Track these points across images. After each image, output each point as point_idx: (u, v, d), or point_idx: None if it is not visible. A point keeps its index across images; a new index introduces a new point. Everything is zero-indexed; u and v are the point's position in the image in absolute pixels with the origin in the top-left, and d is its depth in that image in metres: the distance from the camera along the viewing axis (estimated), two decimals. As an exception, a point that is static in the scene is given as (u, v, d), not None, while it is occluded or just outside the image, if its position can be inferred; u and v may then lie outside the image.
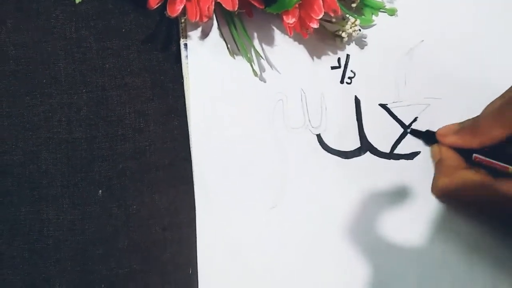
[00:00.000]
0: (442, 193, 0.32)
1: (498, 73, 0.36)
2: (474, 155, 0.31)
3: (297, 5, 0.31)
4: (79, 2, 0.32)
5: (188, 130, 0.36)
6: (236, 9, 0.31)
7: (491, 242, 0.34)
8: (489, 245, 0.34)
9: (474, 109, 0.32)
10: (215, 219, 0.35)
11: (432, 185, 0.33)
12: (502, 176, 0.30)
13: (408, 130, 0.34)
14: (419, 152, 0.35)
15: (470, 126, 0.32)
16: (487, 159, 0.30)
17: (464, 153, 0.32)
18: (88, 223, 0.35)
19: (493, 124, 0.30)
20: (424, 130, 0.34)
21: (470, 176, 0.30)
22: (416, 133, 0.34)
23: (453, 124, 0.33)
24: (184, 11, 0.33)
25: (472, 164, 0.31)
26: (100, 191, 0.36)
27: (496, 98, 0.31)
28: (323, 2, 0.32)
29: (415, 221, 0.34)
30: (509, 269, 0.33)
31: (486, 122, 0.31)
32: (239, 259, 0.34)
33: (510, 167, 0.30)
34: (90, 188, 0.36)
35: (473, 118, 0.32)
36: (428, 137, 0.34)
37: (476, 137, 0.31)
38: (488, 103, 0.32)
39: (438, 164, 0.33)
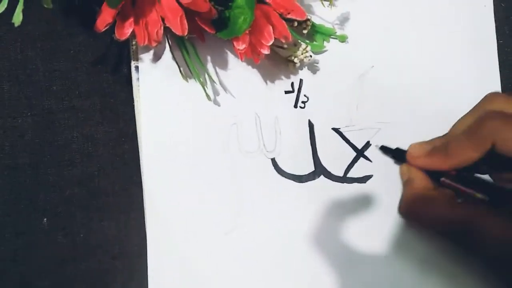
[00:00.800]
0: (408, 211, 0.31)
1: (448, 96, 0.37)
2: (442, 178, 0.31)
3: (247, 32, 0.31)
4: (19, 25, 0.30)
5: (139, 154, 0.35)
6: (186, 34, 0.31)
7: (443, 259, 0.34)
8: (441, 262, 0.34)
9: (424, 132, 0.33)
10: (167, 246, 0.34)
11: (399, 204, 0.32)
12: (467, 199, 0.30)
13: (378, 146, 0.34)
14: (372, 175, 0.35)
15: (440, 148, 0.31)
16: (454, 184, 0.30)
17: (433, 174, 0.32)
18: (32, 253, 0.34)
19: (465, 147, 0.30)
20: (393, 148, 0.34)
21: (436, 197, 0.30)
22: (386, 150, 0.34)
23: (423, 143, 0.32)
24: (133, 34, 0.32)
25: (439, 185, 0.31)
26: (45, 219, 0.34)
27: (466, 114, 0.31)
28: (273, 28, 0.32)
29: (369, 241, 0.34)
30: (460, 285, 0.34)
31: (457, 144, 0.30)
32: (193, 286, 0.33)
33: (476, 193, 0.30)
34: (35, 216, 0.34)
35: (443, 136, 0.32)
36: (398, 155, 0.33)
37: (447, 160, 0.30)
38: (440, 125, 0.32)
39: (406, 183, 0.32)
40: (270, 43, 0.32)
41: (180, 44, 0.34)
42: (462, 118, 0.31)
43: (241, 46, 0.32)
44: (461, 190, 0.30)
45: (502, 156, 0.29)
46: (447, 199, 0.30)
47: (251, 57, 0.33)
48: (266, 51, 0.32)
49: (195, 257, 0.34)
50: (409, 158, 0.32)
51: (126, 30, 0.32)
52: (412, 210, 0.31)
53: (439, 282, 0.34)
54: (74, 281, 0.34)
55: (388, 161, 0.35)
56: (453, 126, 0.32)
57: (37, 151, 0.35)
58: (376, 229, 0.35)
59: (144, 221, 0.34)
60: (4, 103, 0.35)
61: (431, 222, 0.30)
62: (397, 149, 0.34)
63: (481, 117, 0.29)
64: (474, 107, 0.31)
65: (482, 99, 0.31)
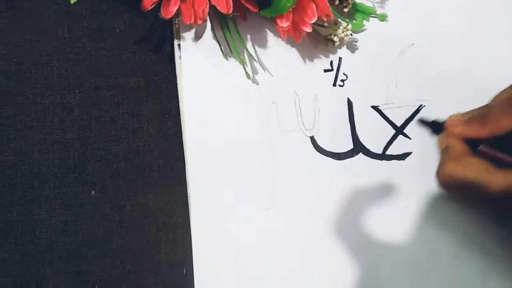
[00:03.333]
0: (447, 178, 0.31)
1: (488, 73, 0.36)
2: (480, 145, 0.31)
3: (291, 9, 0.32)
4: (74, 3, 0.32)
5: (182, 130, 0.36)
6: (230, 12, 0.32)
7: (479, 233, 0.34)
8: (476, 237, 0.34)
9: (463, 109, 0.33)
10: (209, 219, 0.35)
11: (437, 171, 0.32)
12: (506, 167, 0.30)
13: (417, 119, 0.34)
14: (411, 152, 0.36)
15: (479, 115, 0.31)
16: (493, 150, 0.30)
17: (471, 143, 0.32)
18: (81, 224, 0.35)
19: (504, 114, 0.30)
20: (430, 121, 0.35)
21: (476, 162, 0.30)
22: (424, 123, 0.34)
23: (462, 114, 0.32)
24: (178, 13, 0.33)
25: (478, 154, 0.31)
26: (93, 192, 0.35)
27: (507, 87, 0.31)
28: (316, 6, 0.32)
29: (406, 218, 0.35)
30: (497, 258, 0.34)
31: (496, 112, 0.30)
32: (234, 259, 0.34)
33: None
34: (83, 189, 0.35)
35: (482, 107, 0.32)
36: (436, 127, 0.34)
37: (485, 127, 0.30)
38: (478, 103, 0.32)
39: (445, 150, 0.32)
40: (313, 21, 0.32)
41: (222, 23, 0.35)
42: (502, 91, 0.32)
43: (284, 23, 0.32)
44: (499, 157, 0.30)
45: None
46: (486, 165, 0.30)
47: (293, 35, 0.34)
48: (308, 29, 0.33)
49: (234, 230, 0.35)
50: (448, 126, 0.33)
51: (172, 8, 0.33)
52: (450, 178, 0.31)
53: (476, 261, 0.34)
54: (120, 251, 0.35)
55: (427, 138, 0.35)
56: (493, 98, 0.32)
57: (85, 127, 0.36)
58: (414, 205, 0.35)
59: (187, 195, 0.35)
60: (53, 80, 0.36)
61: (469, 189, 0.30)
62: (434, 121, 0.34)
63: None
64: None
65: None
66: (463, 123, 0.32)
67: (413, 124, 0.36)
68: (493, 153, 0.30)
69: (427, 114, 0.36)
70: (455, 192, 0.33)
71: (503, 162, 0.30)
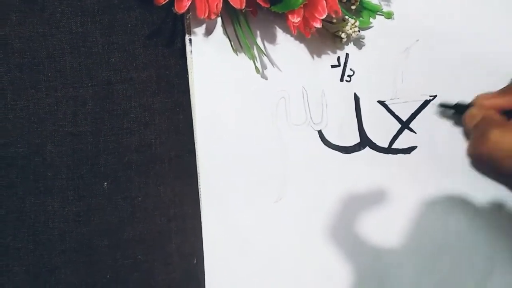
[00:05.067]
0: (492, 146, 0.30)
1: (494, 68, 0.37)
2: None
3: (302, 5, 0.33)
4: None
5: (192, 123, 0.37)
6: (243, 7, 0.32)
7: (486, 218, 0.35)
8: (484, 222, 0.35)
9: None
10: (219, 210, 0.36)
11: (475, 144, 0.31)
12: None
13: (438, 104, 0.35)
14: (416, 146, 0.37)
15: (509, 88, 0.31)
16: None
17: (506, 115, 0.31)
18: (93, 215, 0.36)
19: None
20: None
21: None
22: (446, 106, 0.35)
23: (490, 92, 0.32)
24: (189, 8, 0.34)
25: None
26: (106, 183, 0.36)
27: None
28: (326, 3, 0.33)
29: (414, 209, 0.36)
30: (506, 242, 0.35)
31: None
32: (243, 249, 0.35)
33: None
34: (96, 180, 0.36)
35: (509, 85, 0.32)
36: (459, 108, 0.34)
37: None
38: (483, 97, 0.33)
39: (482, 121, 0.31)
40: (324, 16, 0.33)
41: (233, 18, 0.36)
42: None
43: (296, 19, 0.33)
44: None
45: None
46: None
47: (303, 31, 0.35)
48: (318, 25, 0.34)
49: (244, 222, 0.36)
50: (480, 100, 0.32)
51: (185, 3, 0.33)
52: (494, 145, 0.30)
53: (481, 263, 0.35)
54: (131, 242, 0.36)
55: (433, 132, 0.36)
56: None
57: (97, 120, 0.37)
58: (422, 197, 0.36)
59: (197, 186, 0.36)
60: (66, 73, 0.37)
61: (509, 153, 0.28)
62: (458, 104, 0.35)
63: None
64: None
65: None
66: (495, 95, 0.31)
67: (418, 118, 0.37)
68: None
69: (433, 109, 0.37)
70: (494, 166, 0.31)
71: None
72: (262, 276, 0.35)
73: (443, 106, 0.35)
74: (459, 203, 0.36)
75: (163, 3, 0.34)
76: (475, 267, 0.35)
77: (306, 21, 0.34)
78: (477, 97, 0.33)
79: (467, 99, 0.35)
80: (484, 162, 0.31)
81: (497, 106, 0.32)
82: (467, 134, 0.35)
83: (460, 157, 0.36)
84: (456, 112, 0.35)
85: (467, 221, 0.35)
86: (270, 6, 0.34)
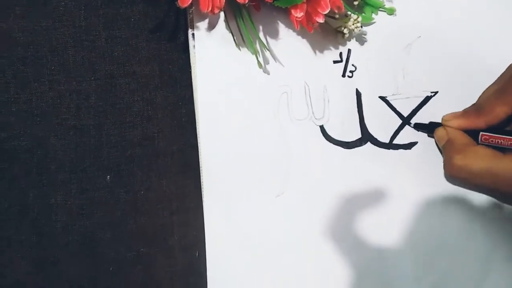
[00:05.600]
0: (457, 170, 0.31)
1: (495, 64, 0.37)
2: (481, 133, 0.32)
3: (305, 0, 0.33)
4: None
5: (195, 118, 0.37)
6: (247, 1, 0.32)
7: (484, 217, 0.36)
8: (481, 221, 0.36)
9: (470, 101, 0.35)
10: (221, 204, 0.36)
11: (445, 166, 0.32)
12: (510, 152, 0.31)
13: (412, 125, 0.36)
14: (417, 142, 0.37)
15: (473, 108, 0.33)
16: (495, 135, 0.32)
17: (471, 134, 0.33)
18: (96, 208, 0.36)
19: (497, 103, 0.32)
20: (426, 122, 0.36)
21: (482, 151, 0.31)
22: (421, 126, 0.36)
23: (456, 112, 0.34)
24: (193, 2, 0.34)
25: (481, 143, 0.33)
26: (108, 176, 0.36)
27: (494, 82, 0.33)
28: (329, -2, 0.33)
29: (414, 205, 0.36)
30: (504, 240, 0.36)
31: (489, 102, 0.32)
32: (245, 243, 0.36)
33: None
34: (99, 173, 0.36)
35: (474, 103, 0.34)
36: (432, 129, 0.35)
37: (481, 117, 0.32)
38: (449, 118, 0.35)
39: (448, 144, 0.33)
40: (326, 11, 0.33)
41: (236, 12, 0.36)
42: (488, 87, 0.34)
43: (299, 14, 0.33)
44: (502, 141, 0.32)
45: None
46: (492, 153, 0.31)
47: (306, 26, 0.35)
48: (321, 20, 0.34)
49: (246, 216, 0.36)
50: (445, 122, 0.34)
51: (189, -3, 0.33)
52: (459, 170, 0.31)
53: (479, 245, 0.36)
54: (134, 235, 0.36)
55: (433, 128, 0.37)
56: (480, 95, 0.34)
57: (100, 113, 0.37)
58: (421, 193, 0.36)
59: (200, 180, 0.36)
60: (70, 67, 0.37)
61: (480, 177, 0.30)
62: (431, 123, 0.35)
63: (509, 75, 0.31)
64: (499, 77, 0.33)
65: (507, 68, 0.33)
66: (460, 115, 0.34)
67: (419, 114, 0.37)
68: (495, 137, 0.32)
69: (434, 105, 0.37)
70: (466, 185, 0.32)
71: (505, 147, 0.32)
72: (262, 270, 0.36)
73: (418, 126, 0.36)
74: (459, 201, 0.36)
75: (167, -3, 0.34)
76: (474, 266, 0.35)
77: (309, 16, 0.34)
78: (443, 118, 0.35)
79: (467, 97, 0.35)
80: (459, 184, 0.33)
81: (461, 127, 0.33)
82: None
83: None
84: (428, 133, 0.36)
85: (467, 218, 0.36)
86: (274, 1, 0.34)
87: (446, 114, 0.35)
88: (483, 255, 0.36)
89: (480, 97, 0.34)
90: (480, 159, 0.31)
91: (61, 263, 0.36)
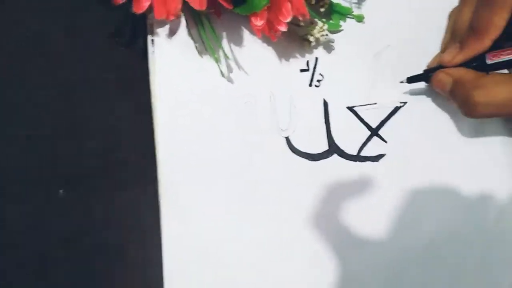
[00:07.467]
0: (482, 107, 0.29)
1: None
2: (487, 54, 0.30)
3: (265, 8, 0.31)
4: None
5: (153, 127, 0.35)
6: (204, 8, 0.31)
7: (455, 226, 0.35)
8: (447, 245, 0.34)
9: (439, 111, 0.34)
10: (180, 218, 0.34)
11: (464, 108, 0.30)
12: None
13: (404, 81, 0.34)
14: (385, 154, 0.36)
15: (468, 34, 0.31)
16: (499, 52, 0.30)
17: (476, 66, 0.31)
18: (49, 223, 0.34)
19: (489, 19, 0.29)
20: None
21: (499, 78, 0.29)
22: (414, 78, 0.34)
23: (447, 49, 0.32)
24: (151, 8, 0.33)
25: (488, 71, 0.30)
26: (62, 190, 0.35)
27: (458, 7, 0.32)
28: (291, 5, 0.32)
29: (381, 217, 0.35)
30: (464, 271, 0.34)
31: (483, 18, 0.29)
32: (205, 259, 0.34)
33: None
34: (52, 186, 0.35)
35: (454, 34, 0.32)
36: (427, 77, 0.34)
37: (480, 37, 0.30)
38: (445, 59, 0.32)
39: (457, 85, 0.31)
40: (288, 20, 0.32)
41: (196, 19, 0.34)
42: (455, 12, 0.33)
43: (259, 22, 0.32)
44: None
45: None
46: (509, 75, 0.29)
47: (268, 34, 0.33)
48: (283, 28, 0.32)
49: (207, 231, 0.34)
50: (446, 62, 0.32)
51: (144, 3, 0.32)
52: (484, 106, 0.29)
53: (445, 264, 0.34)
54: (90, 252, 0.34)
55: (402, 139, 0.35)
56: (451, 23, 0.33)
57: (56, 123, 0.35)
58: (389, 205, 0.35)
59: (158, 192, 0.35)
60: (25, 74, 0.35)
61: (508, 106, 0.28)
62: (426, 70, 0.34)
63: None
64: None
65: None
66: (453, 52, 0.31)
67: (388, 125, 0.36)
68: (503, 51, 0.30)
69: (403, 116, 0.36)
70: (491, 117, 0.31)
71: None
72: (224, 284, 0.34)
73: (412, 80, 0.34)
74: (427, 213, 0.35)
75: (121, 2, 0.32)
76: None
77: (270, 24, 0.33)
78: (442, 60, 0.32)
79: (436, 107, 0.34)
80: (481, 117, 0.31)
81: (466, 58, 0.31)
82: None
83: (430, 165, 0.35)
84: (425, 81, 0.34)
85: (438, 227, 0.34)
86: (233, 8, 0.33)
87: (441, 56, 0.33)
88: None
89: (455, 25, 0.32)
90: (501, 87, 0.28)
91: (10, 280, 0.34)
